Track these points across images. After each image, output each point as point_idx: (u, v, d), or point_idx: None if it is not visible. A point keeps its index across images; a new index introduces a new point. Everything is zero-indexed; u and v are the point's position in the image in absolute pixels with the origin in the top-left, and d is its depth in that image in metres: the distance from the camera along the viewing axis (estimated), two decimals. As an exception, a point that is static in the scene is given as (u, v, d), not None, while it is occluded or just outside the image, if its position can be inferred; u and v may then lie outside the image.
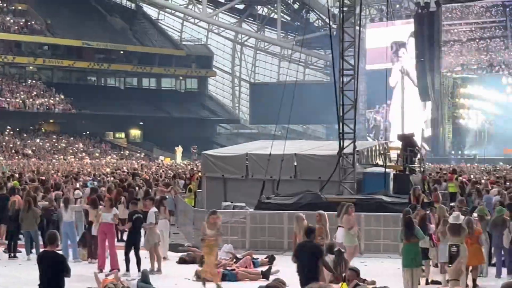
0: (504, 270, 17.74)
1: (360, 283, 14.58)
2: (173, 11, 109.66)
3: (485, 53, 78.02)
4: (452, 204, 26.19)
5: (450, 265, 14.98)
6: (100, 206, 19.87)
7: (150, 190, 27.08)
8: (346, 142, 25.63)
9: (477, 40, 78.02)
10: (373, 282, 15.86)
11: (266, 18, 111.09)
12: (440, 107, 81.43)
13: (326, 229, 16.30)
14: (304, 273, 12.74)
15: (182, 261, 20.08)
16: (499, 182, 29.64)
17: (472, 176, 36.62)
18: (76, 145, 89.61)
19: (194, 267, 18.17)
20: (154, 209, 19.45)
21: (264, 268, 17.84)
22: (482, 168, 52.70)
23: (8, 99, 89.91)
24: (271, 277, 16.24)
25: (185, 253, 20.59)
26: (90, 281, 16.51)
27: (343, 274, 14.98)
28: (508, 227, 17.29)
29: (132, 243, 18.71)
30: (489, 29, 77.48)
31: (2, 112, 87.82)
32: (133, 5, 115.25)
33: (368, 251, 20.33)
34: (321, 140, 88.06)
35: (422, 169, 29.17)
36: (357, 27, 28.55)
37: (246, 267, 17.97)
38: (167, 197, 27.51)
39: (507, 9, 74.19)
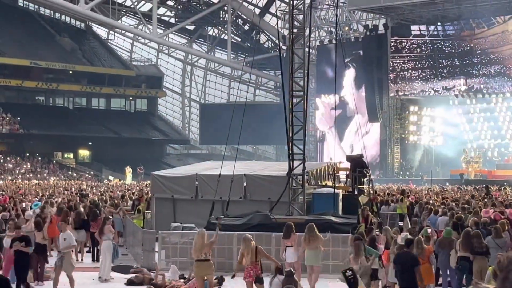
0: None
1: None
2: (123, 31, 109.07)
3: (418, 80, 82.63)
4: (400, 223, 26.51)
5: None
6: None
7: (97, 211, 26.79)
8: (296, 163, 25.75)
9: (409, 71, 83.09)
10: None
11: (217, 39, 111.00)
12: (389, 128, 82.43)
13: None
14: (404, 279, 14.74)
15: (130, 282, 19.90)
16: (445, 203, 29.96)
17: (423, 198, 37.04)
18: (24, 166, 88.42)
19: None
20: (68, 232, 19.05)
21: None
22: (430, 189, 53.30)
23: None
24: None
25: (134, 275, 20.39)
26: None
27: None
28: (454, 248, 17.53)
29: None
30: (420, 61, 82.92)
31: None
32: (82, 24, 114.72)
33: (317, 271, 20.44)
34: (271, 160, 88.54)
35: (370, 190, 29.40)
36: (307, 49, 28.81)
37: (195, 288, 17.85)
38: (115, 217, 27.38)
39: (435, 46, 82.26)
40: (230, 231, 21.67)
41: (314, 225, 18.42)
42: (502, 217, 22.18)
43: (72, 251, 19.55)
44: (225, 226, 22.41)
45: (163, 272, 19.96)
